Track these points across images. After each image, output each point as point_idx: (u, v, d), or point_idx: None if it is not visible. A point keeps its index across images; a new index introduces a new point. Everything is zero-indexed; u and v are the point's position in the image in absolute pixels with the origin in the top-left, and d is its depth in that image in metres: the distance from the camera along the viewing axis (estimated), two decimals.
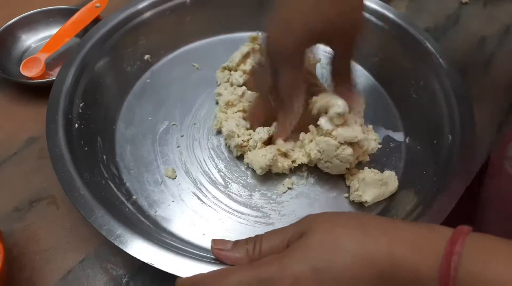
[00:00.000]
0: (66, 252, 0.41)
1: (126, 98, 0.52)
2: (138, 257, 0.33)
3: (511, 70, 0.56)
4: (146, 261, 0.33)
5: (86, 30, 0.58)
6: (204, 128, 0.49)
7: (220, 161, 0.47)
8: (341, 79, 0.43)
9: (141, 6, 0.53)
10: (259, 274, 0.28)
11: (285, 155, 0.44)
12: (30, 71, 0.54)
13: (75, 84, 0.45)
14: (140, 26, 0.53)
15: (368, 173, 0.42)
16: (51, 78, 0.54)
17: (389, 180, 0.43)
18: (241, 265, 0.31)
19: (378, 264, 0.26)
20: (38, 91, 0.53)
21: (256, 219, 0.43)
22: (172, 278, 0.38)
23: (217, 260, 0.33)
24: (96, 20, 0.58)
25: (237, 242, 0.32)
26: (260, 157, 0.43)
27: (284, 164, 0.44)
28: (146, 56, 0.54)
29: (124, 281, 0.39)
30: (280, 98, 0.42)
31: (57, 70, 0.55)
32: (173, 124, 0.49)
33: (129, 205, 0.41)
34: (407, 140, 0.48)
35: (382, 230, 0.28)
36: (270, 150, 0.43)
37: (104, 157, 0.45)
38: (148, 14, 0.53)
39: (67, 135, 0.41)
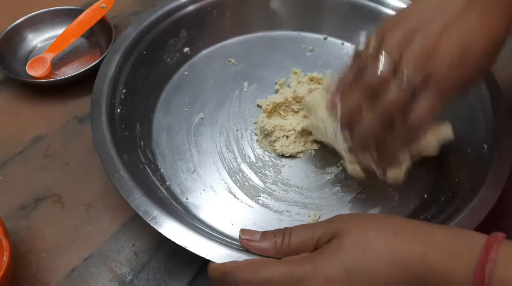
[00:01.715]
0: (71, 250, 0.42)
1: (164, 88, 0.53)
2: (172, 239, 0.34)
3: (511, 72, 0.55)
4: (180, 243, 0.34)
5: (91, 30, 0.59)
6: (239, 122, 0.50)
7: (252, 155, 0.48)
8: None
9: (184, 0, 0.55)
10: (292, 272, 0.28)
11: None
12: (36, 71, 0.55)
13: (119, 71, 0.47)
14: (182, 19, 0.54)
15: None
16: (56, 78, 0.54)
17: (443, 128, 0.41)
18: (268, 256, 0.32)
19: (412, 268, 0.27)
20: (44, 91, 0.55)
21: (288, 214, 0.43)
22: (176, 275, 0.40)
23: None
24: (102, 21, 0.59)
25: (265, 233, 0.33)
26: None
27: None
28: (186, 49, 0.56)
29: (128, 279, 0.40)
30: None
31: (62, 69, 0.57)
32: (207, 116, 0.51)
33: (163, 190, 0.43)
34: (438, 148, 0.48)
35: (415, 234, 0.28)
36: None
37: (142, 143, 0.46)
38: (190, 8, 0.55)
39: (109, 119, 0.42)
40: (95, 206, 0.45)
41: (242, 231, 0.34)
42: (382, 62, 0.33)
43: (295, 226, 0.32)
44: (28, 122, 0.52)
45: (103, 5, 0.60)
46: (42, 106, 0.54)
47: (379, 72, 0.33)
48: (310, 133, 0.47)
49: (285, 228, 0.32)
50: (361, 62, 0.35)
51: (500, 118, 0.43)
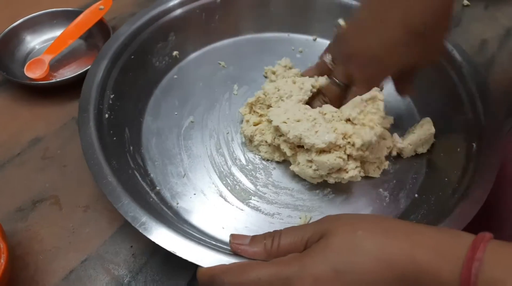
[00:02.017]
0: (69, 252, 0.41)
1: (153, 92, 0.53)
2: (161, 244, 0.34)
3: (508, 75, 0.56)
4: (168, 249, 0.34)
5: (89, 32, 0.59)
6: (229, 125, 0.50)
7: (243, 158, 0.47)
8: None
9: (172, 3, 0.55)
10: (279, 272, 0.29)
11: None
12: (34, 73, 0.55)
13: (107, 76, 0.46)
14: (171, 22, 0.54)
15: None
16: (54, 80, 0.54)
17: (425, 124, 0.46)
18: (258, 259, 0.32)
19: (400, 267, 0.27)
20: (42, 93, 0.54)
21: (279, 217, 0.43)
22: (174, 277, 0.40)
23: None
24: (100, 23, 0.59)
25: (255, 237, 0.33)
26: (308, 168, 0.42)
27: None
28: (175, 53, 0.56)
29: (125, 281, 0.40)
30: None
31: (61, 71, 0.57)
32: (197, 120, 0.51)
33: (153, 195, 0.42)
34: (428, 147, 0.48)
35: (404, 234, 0.28)
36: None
37: (131, 147, 0.46)
38: (178, 11, 0.55)
39: (97, 124, 0.42)
40: (93, 208, 0.45)
41: (232, 236, 0.34)
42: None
43: (284, 229, 0.32)
44: (26, 124, 0.52)
45: (101, 6, 0.60)
46: (40, 107, 0.54)
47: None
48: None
49: (275, 231, 0.32)
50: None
51: (489, 117, 0.44)
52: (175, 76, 0.55)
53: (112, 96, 0.46)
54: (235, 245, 0.33)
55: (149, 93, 0.53)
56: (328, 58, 0.46)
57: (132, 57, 0.50)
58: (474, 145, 0.42)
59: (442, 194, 0.41)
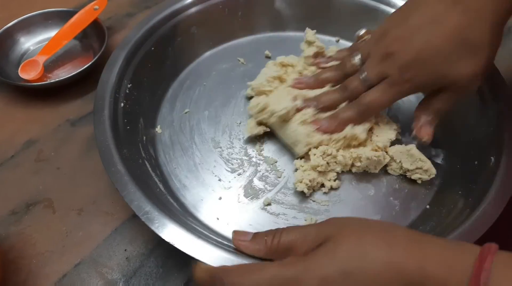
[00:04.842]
0: (62, 256, 0.41)
1: (171, 85, 0.54)
2: (161, 235, 0.34)
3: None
4: (167, 239, 0.34)
5: (84, 32, 0.59)
6: (243, 122, 0.50)
7: (254, 156, 0.47)
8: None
9: None
10: (283, 272, 0.28)
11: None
12: (28, 74, 0.54)
13: (126, 66, 0.47)
14: (193, 16, 0.55)
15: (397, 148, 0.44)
16: (49, 81, 0.54)
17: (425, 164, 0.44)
18: (259, 255, 0.32)
19: (408, 275, 0.26)
20: (37, 94, 0.54)
21: (284, 217, 0.43)
22: (168, 281, 0.39)
23: (238, 250, 0.34)
24: (95, 23, 0.58)
25: (257, 234, 0.33)
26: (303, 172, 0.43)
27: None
28: (195, 47, 0.56)
29: (119, 285, 0.40)
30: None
31: (55, 72, 0.57)
32: (211, 115, 0.51)
33: (161, 186, 0.43)
34: (445, 158, 0.47)
35: (411, 242, 0.28)
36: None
37: (144, 138, 0.47)
38: (201, 5, 0.55)
39: (112, 112, 0.43)
40: (86, 211, 0.45)
41: (235, 232, 0.34)
42: (356, 57, 0.43)
43: (287, 227, 0.33)
44: (20, 126, 0.52)
45: (96, 7, 0.59)
46: (34, 109, 0.53)
47: (350, 64, 0.44)
48: None
49: (277, 229, 0.32)
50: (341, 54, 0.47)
51: (510, 132, 0.42)
52: (194, 70, 0.55)
53: (129, 86, 0.47)
54: (237, 241, 0.33)
55: (166, 85, 0.53)
56: (357, 58, 0.43)
57: (153, 48, 0.51)
58: (493, 159, 0.41)
59: (454, 207, 0.40)
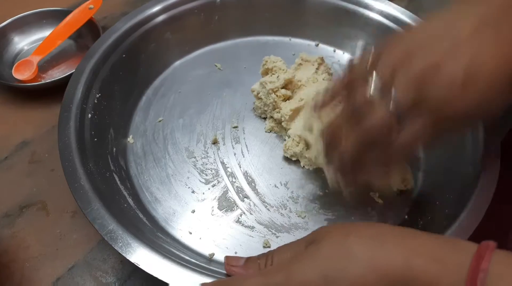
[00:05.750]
0: (55, 259, 0.41)
1: (145, 92, 0.52)
2: (124, 255, 0.33)
3: None
4: (132, 260, 0.33)
5: (79, 32, 0.58)
6: (220, 130, 0.49)
7: (230, 166, 0.46)
8: None
9: (170, 1, 0.53)
10: (265, 281, 0.28)
11: None
12: (22, 74, 0.54)
13: (94, 75, 0.45)
14: (167, 22, 0.53)
15: None
16: (43, 81, 0.53)
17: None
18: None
19: (392, 276, 0.25)
20: (31, 95, 0.53)
21: (264, 232, 0.41)
22: (162, 283, 0.38)
23: (227, 275, 0.33)
24: (90, 22, 0.58)
25: (249, 259, 0.33)
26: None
27: None
28: (170, 52, 0.54)
29: None
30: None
31: (50, 72, 0.56)
32: (186, 123, 0.49)
33: (130, 200, 0.41)
34: (424, 169, 0.46)
35: (399, 239, 0.27)
36: None
37: (114, 149, 0.45)
38: (176, 10, 0.53)
39: (78, 124, 0.41)
40: (80, 213, 0.43)
41: (227, 258, 0.34)
42: (372, 83, 0.31)
43: (277, 247, 0.32)
44: (13, 127, 0.51)
45: (91, 6, 0.58)
46: (28, 110, 0.53)
47: (367, 94, 0.31)
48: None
49: (269, 251, 0.32)
50: (351, 78, 0.33)
51: (488, 143, 0.41)
52: (169, 77, 0.54)
53: (98, 95, 0.45)
54: (229, 267, 0.33)
55: (140, 93, 0.52)
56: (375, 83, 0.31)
57: (124, 55, 0.49)
58: (471, 171, 0.40)
59: (431, 218, 0.39)
